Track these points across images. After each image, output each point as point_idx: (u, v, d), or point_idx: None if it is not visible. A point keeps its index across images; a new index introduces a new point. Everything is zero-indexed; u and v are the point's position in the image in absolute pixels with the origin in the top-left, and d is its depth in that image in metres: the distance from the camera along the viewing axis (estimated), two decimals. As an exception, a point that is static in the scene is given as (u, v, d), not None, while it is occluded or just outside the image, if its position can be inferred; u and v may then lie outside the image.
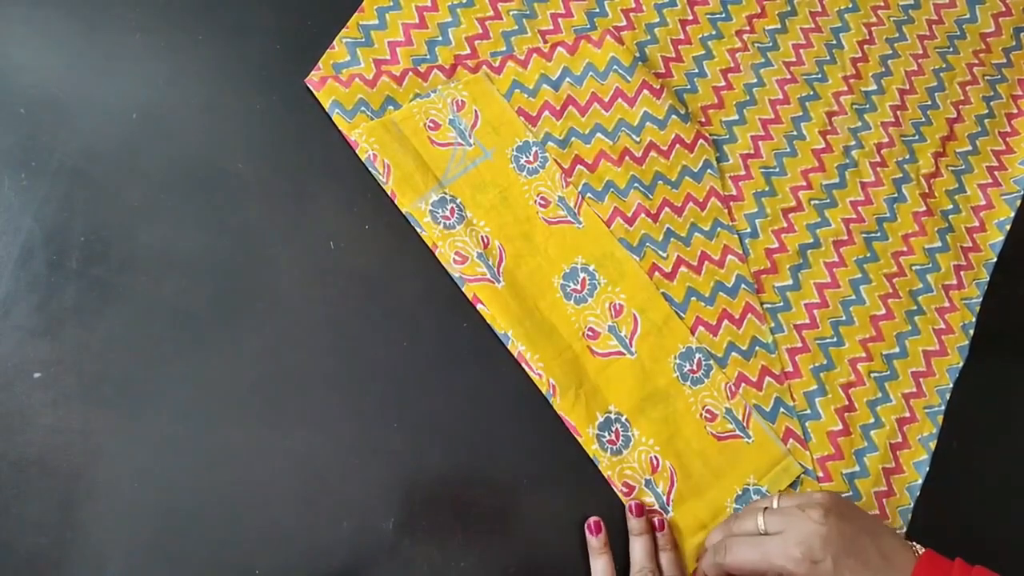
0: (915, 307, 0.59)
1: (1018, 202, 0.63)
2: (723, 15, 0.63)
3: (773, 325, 0.56)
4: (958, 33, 0.67)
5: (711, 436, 0.52)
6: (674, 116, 0.58)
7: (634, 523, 0.50)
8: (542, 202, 0.55)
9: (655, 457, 0.51)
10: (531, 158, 0.55)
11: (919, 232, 0.60)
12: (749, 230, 0.58)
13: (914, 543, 0.45)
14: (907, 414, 0.56)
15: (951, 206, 0.62)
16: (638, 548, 0.49)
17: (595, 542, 0.49)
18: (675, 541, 0.50)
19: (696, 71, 0.61)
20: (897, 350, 0.57)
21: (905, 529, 0.54)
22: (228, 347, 0.48)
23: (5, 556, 0.43)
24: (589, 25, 0.59)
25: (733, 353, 0.54)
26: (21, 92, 0.50)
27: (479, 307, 0.52)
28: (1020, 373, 0.60)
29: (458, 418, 0.50)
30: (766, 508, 0.47)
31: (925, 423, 0.56)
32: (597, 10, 0.60)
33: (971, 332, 0.59)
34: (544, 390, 0.51)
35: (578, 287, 0.53)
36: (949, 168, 0.63)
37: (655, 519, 0.50)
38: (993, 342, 0.59)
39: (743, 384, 0.54)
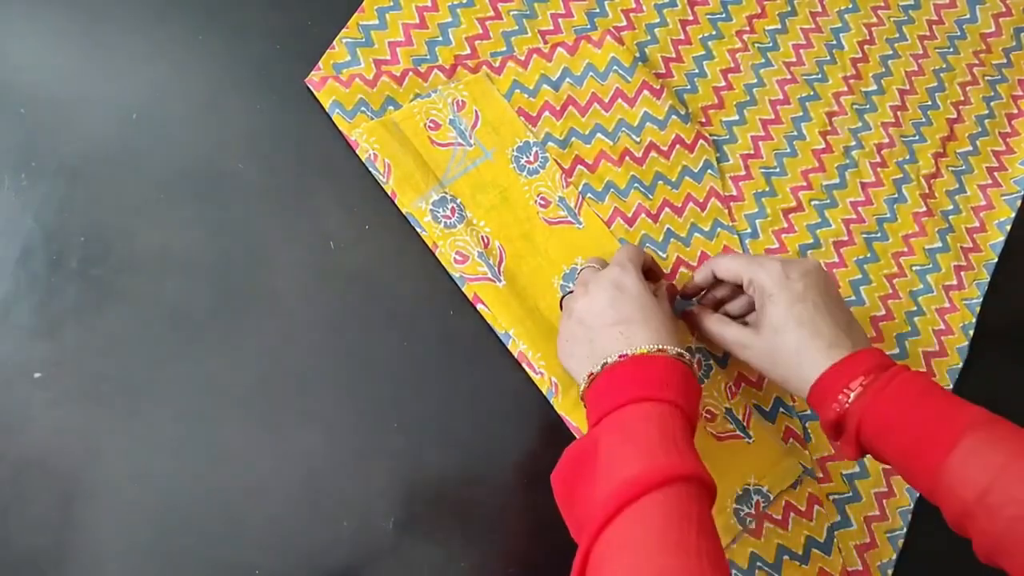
0: (915, 308, 0.59)
1: (1018, 202, 0.63)
2: (723, 15, 0.63)
3: (773, 325, 0.56)
4: (958, 33, 0.67)
5: (711, 436, 0.52)
6: (674, 116, 0.58)
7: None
8: (542, 202, 0.55)
9: (655, 457, 0.51)
10: (531, 158, 0.55)
11: (919, 232, 0.60)
12: (749, 230, 0.58)
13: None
14: (907, 414, 0.56)
15: (951, 206, 0.62)
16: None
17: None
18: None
19: (696, 71, 0.61)
20: (897, 351, 0.57)
21: (905, 529, 0.54)
22: (228, 347, 0.48)
23: (5, 556, 0.43)
24: (589, 25, 0.59)
25: (733, 353, 0.54)
26: (21, 92, 0.50)
27: (479, 307, 0.52)
28: (1020, 373, 0.60)
29: (458, 418, 0.50)
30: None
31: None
32: (597, 10, 0.60)
33: (971, 333, 0.59)
34: (545, 389, 0.51)
35: (578, 287, 0.53)
36: (949, 168, 0.63)
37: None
38: (993, 343, 0.59)
39: (743, 384, 0.54)
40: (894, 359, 0.56)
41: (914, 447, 0.40)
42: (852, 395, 0.41)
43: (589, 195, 0.55)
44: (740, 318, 0.52)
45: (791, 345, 0.44)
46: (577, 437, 0.51)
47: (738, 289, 0.51)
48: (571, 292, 0.50)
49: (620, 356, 0.43)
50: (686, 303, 0.54)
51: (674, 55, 0.61)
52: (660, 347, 0.43)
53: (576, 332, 0.46)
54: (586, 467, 0.40)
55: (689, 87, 0.60)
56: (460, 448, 0.50)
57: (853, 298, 0.58)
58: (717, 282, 0.51)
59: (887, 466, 0.55)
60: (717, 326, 0.50)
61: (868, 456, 0.54)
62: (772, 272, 0.46)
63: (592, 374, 0.44)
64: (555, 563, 0.49)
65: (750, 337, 0.47)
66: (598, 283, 0.47)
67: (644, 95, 0.57)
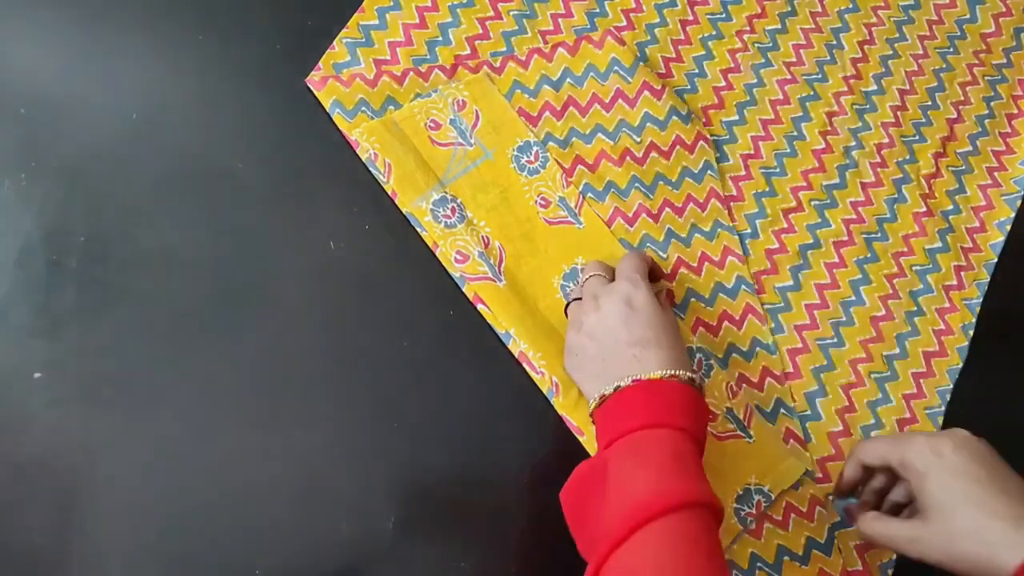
0: (915, 308, 0.59)
1: (1018, 202, 0.63)
2: (723, 15, 0.62)
3: (773, 326, 0.56)
4: (958, 33, 0.67)
5: (712, 436, 0.52)
6: (675, 117, 0.58)
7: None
8: (543, 202, 0.55)
9: (655, 457, 0.51)
10: (532, 158, 0.55)
11: (919, 233, 0.60)
12: (749, 230, 0.58)
13: None
14: (907, 415, 0.56)
15: (951, 206, 0.62)
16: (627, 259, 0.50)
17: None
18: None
19: (696, 71, 0.61)
20: (897, 351, 0.57)
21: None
22: (228, 347, 0.48)
23: (5, 556, 0.43)
24: (589, 25, 0.59)
25: (734, 354, 0.54)
26: (21, 92, 0.50)
27: (480, 307, 0.51)
28: (1020, 374, 0.60)
29: (458, 418, 0.50)
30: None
31: (925, 424, 0.56)
32: (597, 10, 0.60)
33: (971, 333, 0.59)
34: (546, 388, 0.51)
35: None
36: (949, 168, 0.63)
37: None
38: (993, 343, 0.59)
39: (744, 384, 0.54)
40: (894, 359, 0.57)
41: None
42: None
43: (590, 195, 0.55)
44: (909, 504, 0.47)
45: (968, 529, 0.39)
46: (577, 436, 0.51)
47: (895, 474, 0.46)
48: (578, 300, 0.49)
49: (633, 380, 0.43)
50: (844, 501, 0.51)
51: (674, 55, 0.61)
52: (673, 372, 0.43)
53: (587, 347, 0.46)
54: (597, 488, 0.40)
55: (689, 87, 0.60)
56: (460, 448, 0.50)
57: (853, 298, 0.58)
58: (869, 471, 0.48)
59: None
60: (878, 527, 0.44)
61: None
62: (920, 449, 0.42)
63: (604, 395, 0.44)
64: (555, 563, 0.49)
65: (918, 529, 0.42)
66: (609, 299, 0.46)
67: (645, 95, 0.57)
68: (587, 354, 0.46)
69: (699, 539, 0.36)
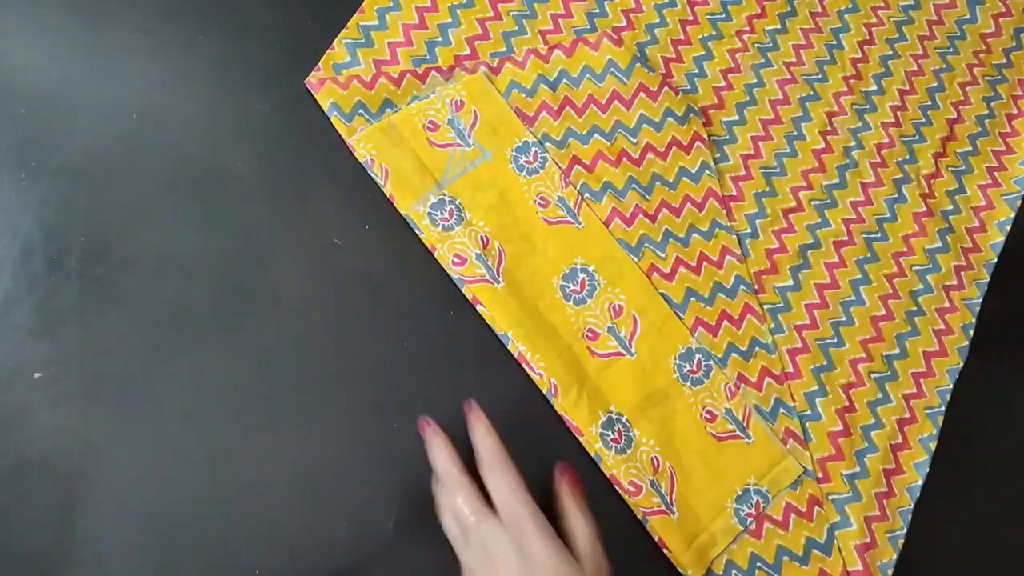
0: (915, 308, 0.59)
1: (1018, 202, 0.63)
2: (723, 15, 0.63)
3: (773, 326, 0.56)
4: (958, 34, 0.67)
5: (711, 437, 0.52)
6: (670, 118, 0.58)
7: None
8: (542, 202, 0.55)
9: (655, 458, 0.51)
10: (530, 158, 0.55)
11: (919, 233, 0.60)
12: (749, 230, 0.58)
13: None
14: (907, 415, 0.56)
15: (951, 207, 0.62)
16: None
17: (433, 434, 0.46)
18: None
19: (696, 71, 0.61)
20: (897, 351, 0.57)
21: (905, 529, 0.54)
22: (228, 347, 0.48)
23: (5, 556, 0.43)
24: (589, 26, 0.59)
25: (733, 354, 0.54)
26: (21, 92, 0.50)
27: (479, 307, 0.52)
28: (1020, 373, 0.60)
29: (458, 418, 0.50)
30: None
31: (925, 424, 0.56)
32: (597, 11, 0.60)
33: (971, 333, 0.59)
34: (545, 390, 0.51)
35: (577, 288, 0.53)
36: (949, 169, 0.63)
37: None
38: (993, 343, 0.59)
39: (743, 384, 0.54)
40: (894, 359, 0.57)
41: None
42: None
43: (587, 195, 0.55)
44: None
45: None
46: (578, 436, 0.51)
47: None
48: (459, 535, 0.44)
49: None
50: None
51: (674, 55, 0.61)
52: None
53: None
54: None
55: (689, 87, 0.60)
56: (460, 448, 0.50)
57: (853, 298, 0.58)
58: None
59: (888, 466, 0.55)
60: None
61: (868, 456, 0.54)
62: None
63: None
64: (555, 563, 0.49)
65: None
66: (502, 551, 0.43)
67: (640, 97, 0.57)
68: None
69: None
